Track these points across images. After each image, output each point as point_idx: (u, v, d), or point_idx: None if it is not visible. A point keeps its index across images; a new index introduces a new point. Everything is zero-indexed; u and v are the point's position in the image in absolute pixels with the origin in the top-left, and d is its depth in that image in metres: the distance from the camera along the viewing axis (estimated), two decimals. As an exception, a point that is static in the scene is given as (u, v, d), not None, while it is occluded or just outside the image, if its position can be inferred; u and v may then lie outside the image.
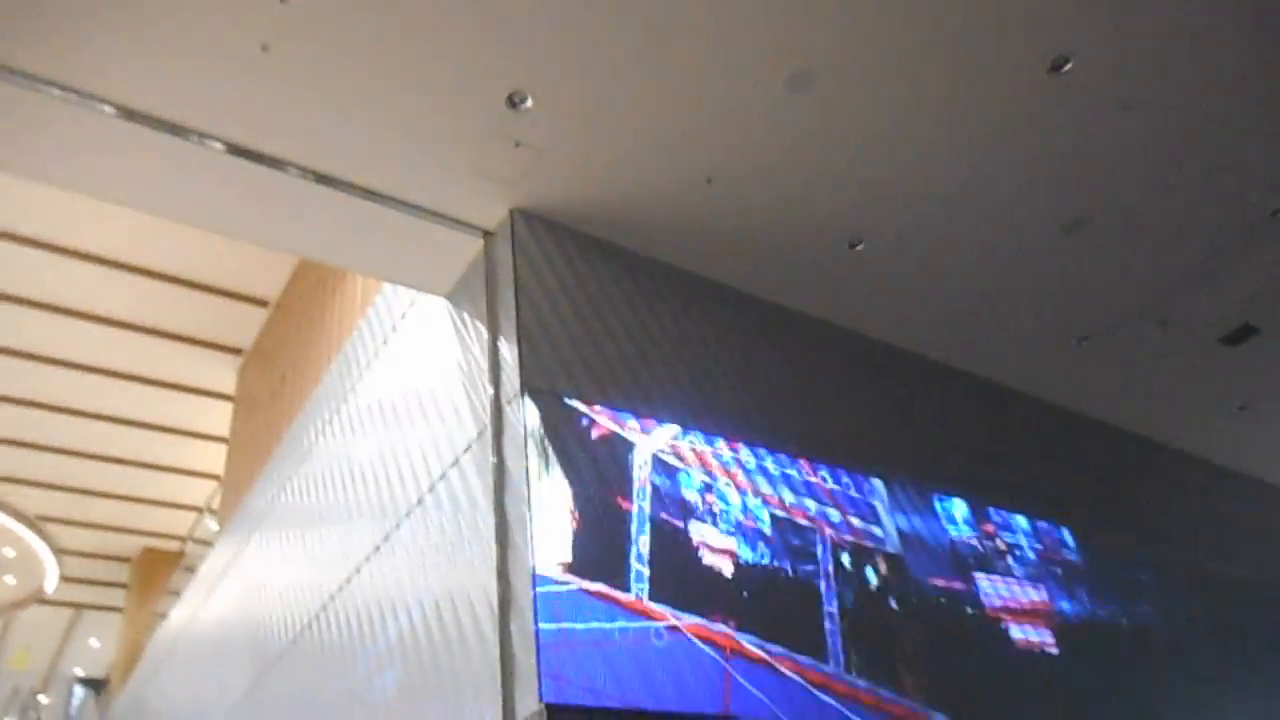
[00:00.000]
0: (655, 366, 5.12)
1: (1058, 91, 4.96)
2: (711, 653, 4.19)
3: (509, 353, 4.65)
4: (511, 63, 4.36)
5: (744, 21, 4.33)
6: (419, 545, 4.97)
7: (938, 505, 5.90)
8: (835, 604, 4.84)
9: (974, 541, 5.93)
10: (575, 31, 4.26)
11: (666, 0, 4.18)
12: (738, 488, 4.90)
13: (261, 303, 9.92)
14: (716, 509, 4.71)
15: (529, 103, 4.56)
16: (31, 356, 10.51)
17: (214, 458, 12.28)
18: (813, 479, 5.31)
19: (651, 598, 4.16)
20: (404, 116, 4.57)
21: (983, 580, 5.75)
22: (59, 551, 14.15)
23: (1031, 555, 6.24)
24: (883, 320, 6.46)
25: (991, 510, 6.24)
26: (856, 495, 5.46)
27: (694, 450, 4.87)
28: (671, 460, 4.72)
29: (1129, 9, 4.58)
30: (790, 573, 4.79)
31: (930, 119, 5.02)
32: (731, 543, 4.64)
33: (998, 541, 6.09)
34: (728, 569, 4.54)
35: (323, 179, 4.80)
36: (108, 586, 15.58)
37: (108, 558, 14.85)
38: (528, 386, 4.45)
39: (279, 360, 9.19)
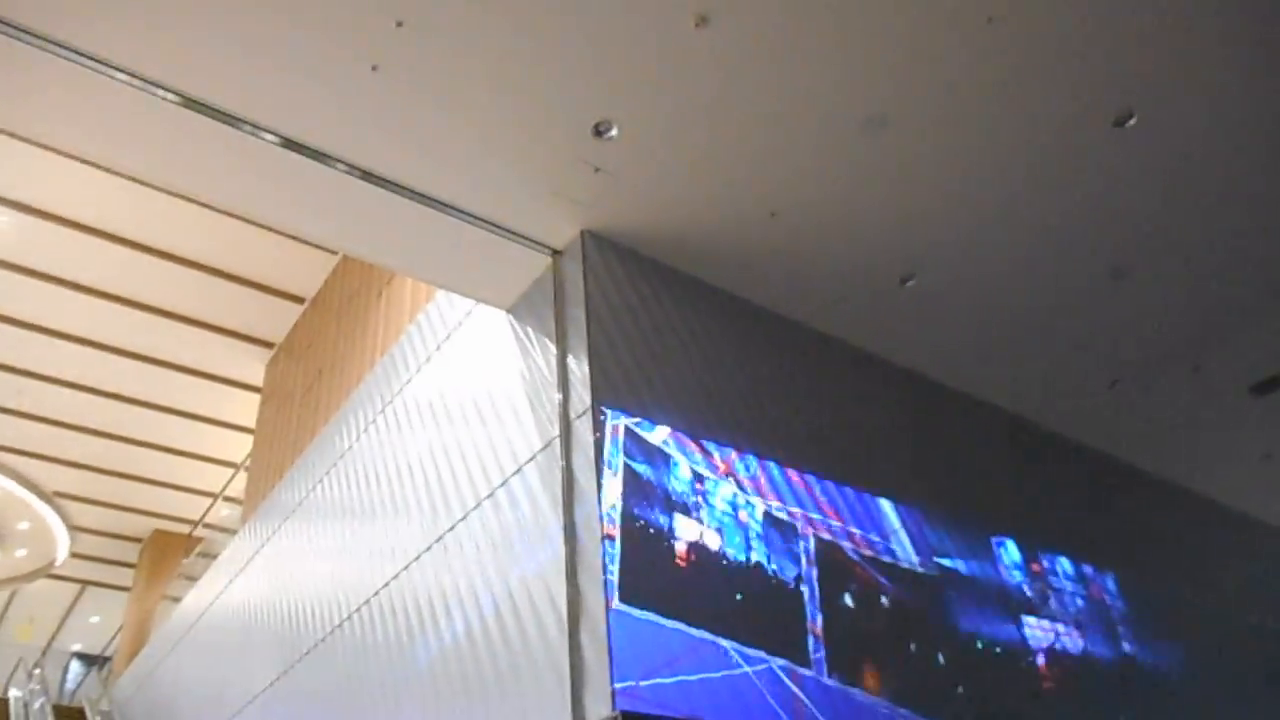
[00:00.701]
0: (716, 392, 5.27)
1: (1120, 145, 5.14)
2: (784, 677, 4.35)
3: (578, 369, 4.80)
4: (604, 94, 4.52)
5: (827, 68, 4.51)
6: (478, 546, 5.10)
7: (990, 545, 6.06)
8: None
9: (1019, 582, 6.09)
10: (666, 70, 4.43)
11: (754, 47, 4.35)
12: (809, 521, 5.05)
13: (297, 299, 10.06)
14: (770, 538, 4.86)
15: (614, 132, 4.72)
16: (60, 335, 10.62)
17: (233, 445, 12.41)
18: (857, 508, 5.47)
19: (718, 632, 4.31)
20: (495, 137, 4.72)
21: (1027, 621, 5.92)
22: (72, 528, 14.25)
23: (1070, 596, 6.40)
24: (926, 355, 6.61)
25: (1033, 549, 6.40)
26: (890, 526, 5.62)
27: (752, 479, 5.02)
28: (727, 485, 4.87)
29: (1192, 71, 4.77)
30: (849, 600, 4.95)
31: (995, 164, 5.20)
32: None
33: (1041, 582, 6.25)
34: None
35: (402, 190, 4.94)
36: (115, 565, 15.68)
37: (119, 537, 14.95)
38: (598, 403, 4.60)
39: (314, 356, 9.33)
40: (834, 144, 4.94)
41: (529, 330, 5.40)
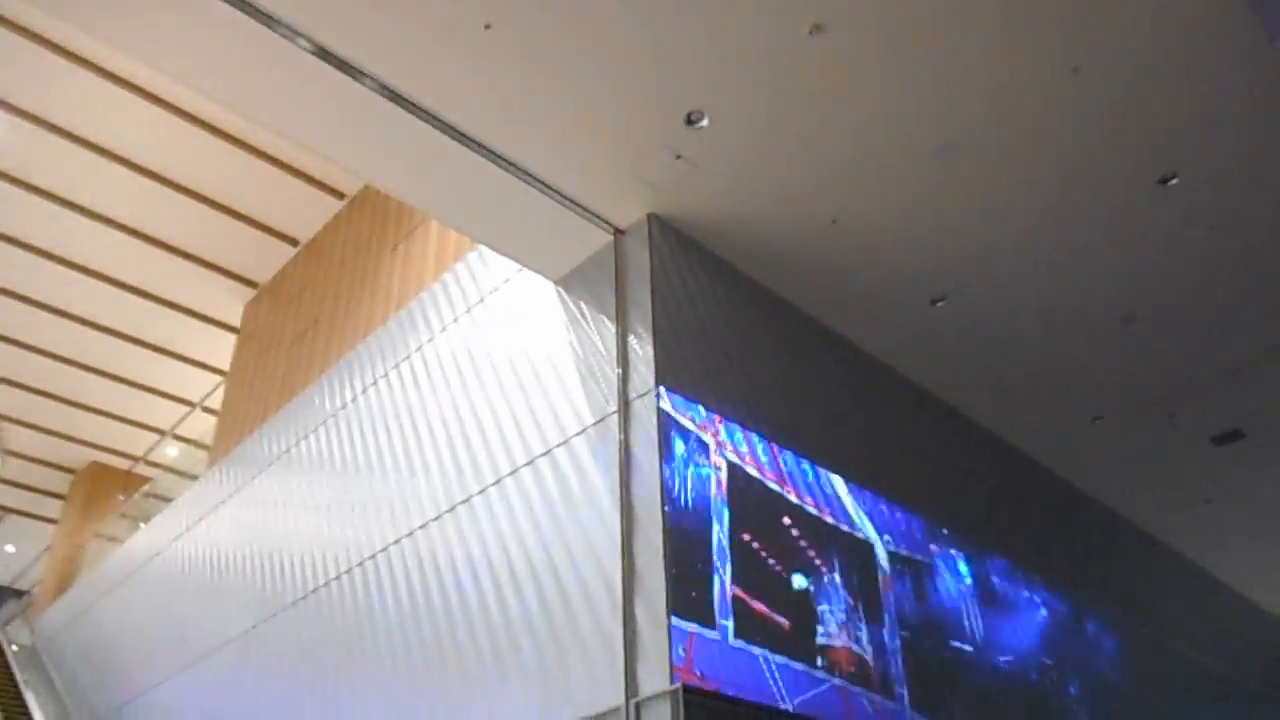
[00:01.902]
0: (761, 387, 5.43)
1: (1160, 202, 5.47)
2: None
3: (641, 349, 4.89)
4: (705, 84, 4.61)
5: (917, 93, 4.71)
6: (513, 513, 5.15)
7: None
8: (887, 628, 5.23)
9: (965, 578, 6.40)
10: (770, 70, 4.55)
11: (856, 62, 4.52)
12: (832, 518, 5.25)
13: (290, 241, 9.87)
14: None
15: (704, 122, 4.83)
16: (29, 248, 10.16)
17: (193, 384, 12.10)
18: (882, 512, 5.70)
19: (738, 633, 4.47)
20: (586, 111, 4.76)
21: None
22: (4, 451, 13.68)
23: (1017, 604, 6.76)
24: (940, 375, 6.89)
25: (983, 556, 6.72)
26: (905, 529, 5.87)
27: (780, 473, 5.19)
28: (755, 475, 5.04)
29: (1232, 141, 5.13)
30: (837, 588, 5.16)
31: (1042, 208, 5.49)
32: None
33: (987, 586, 6.58)
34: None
35: (479, 146, 4.89)
36: (42, 494, 15.07)
37: (51, 465, 14.37)
38: (660, 384, 4.71)
39: (308, 303, 9.18)
40: (906, 163, 5.14)
41: (582, 305, 5.47)
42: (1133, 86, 4.80)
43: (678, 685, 3.85)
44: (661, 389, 4.69)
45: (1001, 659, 6.10)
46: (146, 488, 12.35)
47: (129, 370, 12.03)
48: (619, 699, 4.02)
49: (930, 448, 6.83)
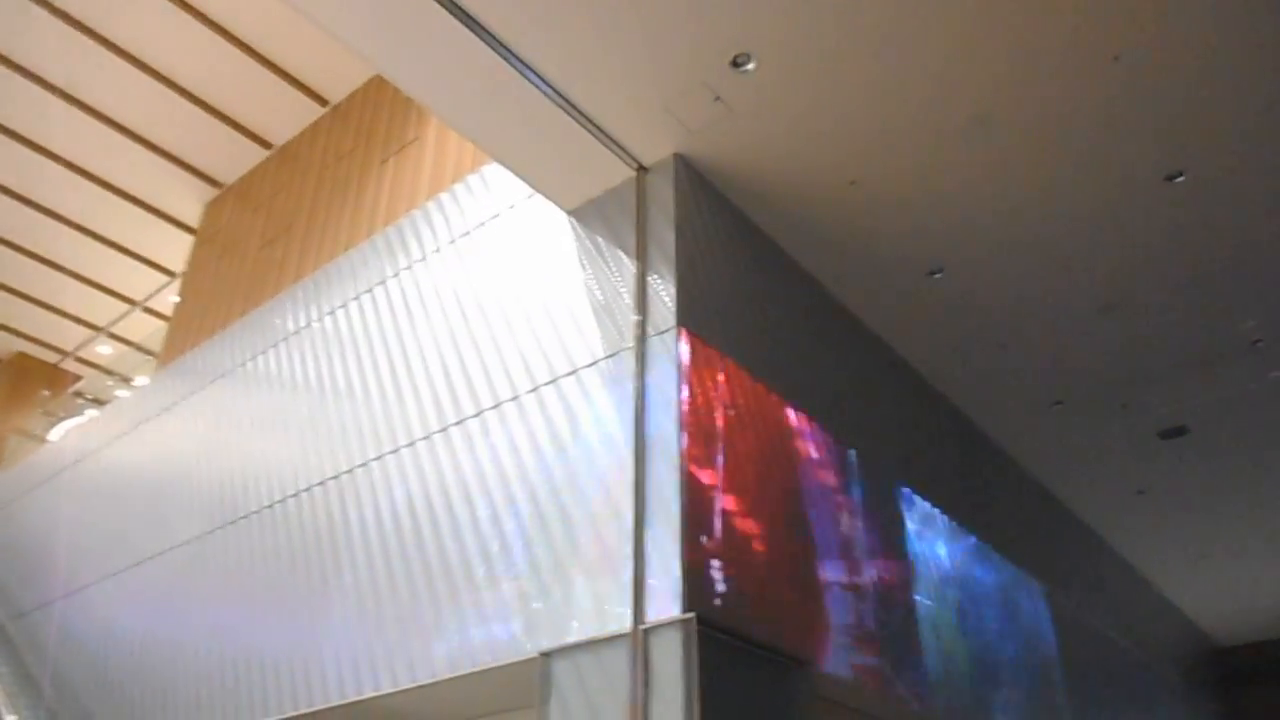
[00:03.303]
0: (768, 337, 5.49)
1: (1165, 198, 5.66)
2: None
3: (663, 287, 4.88)
4: (759, 26, 4.57)
5: (961, 58, 4.77)
6: (512, 439, 5.13)
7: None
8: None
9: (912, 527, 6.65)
10: (829, 17, 4.53)
11: (911, 21, 4.54)
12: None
13: (263, 143, 9.50)
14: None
15: (750, 66, 4.79)
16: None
17: (137, 281, 11.63)
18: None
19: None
20: (630, 35, 4.62)
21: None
22: (-79, 330, 12.96)
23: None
24: (923, 348, 7.05)
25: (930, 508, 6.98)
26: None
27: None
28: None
29: (1242, 141, 5.34)
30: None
31: (1054, 186, 5.63)
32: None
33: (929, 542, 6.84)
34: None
35: (509, 53, 4.67)
36: (-43, 380, 14.35)
37: (-29, 350, 13.69)
38: (682, 323, 4.72)
39: (281, 210, 8.88)
40: (935, 130, 5.20)
41: (599, 239, 5.42)
42: (1164, 80, 4.93)
43: (690, 615, 3.91)
44: (682, 329, 4.71)
45: (955, 612, 6.36)
46: (76, 387, 11.86)
47: (68, 258, 11.41)
48: (626, 626, 4.07)
49: (904, 416, 7.01)
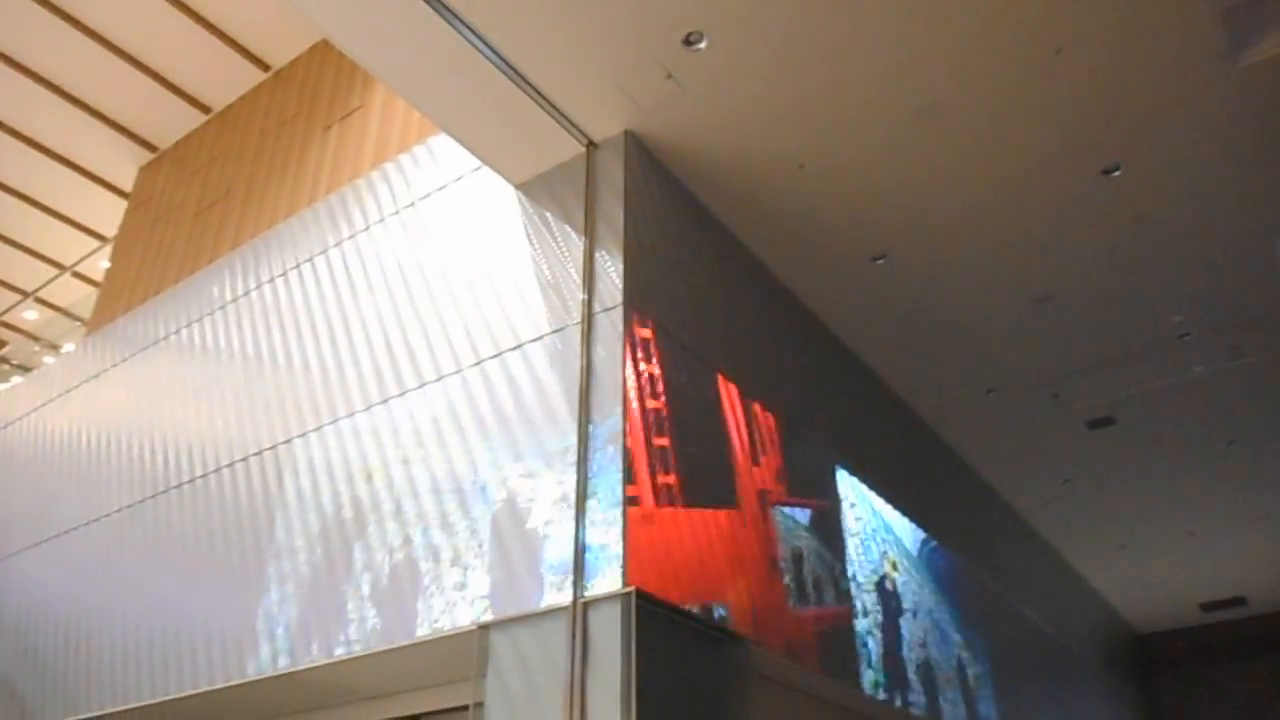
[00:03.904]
0: (710, 318, 5.52)
1: (1102, 191, 5.81)
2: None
3: (611, 264, 4.88)
4: (711, 4, 4.57)
5: (908, 45, 4.84)
6: (454, 412, 5.09)
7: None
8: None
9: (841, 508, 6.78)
10: (780, 3, 4.56)
11: (856, 17, 4.59)
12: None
13: (202, 106, 9.25)
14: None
15: (703, 45, 4.80)
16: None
17: (66, 245, 11.26)
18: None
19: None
20: (585, 6, 4.58)
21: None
22: None
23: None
24: (864, 333, 7.16)
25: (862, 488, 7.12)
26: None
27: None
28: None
29: (1182, 142, 5.50)
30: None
31: (994, 176, 5.75)
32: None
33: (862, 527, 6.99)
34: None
35: (457, 20, 4.63)
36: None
37: (-111, 312, 13.11)
38: (629, 301, 4.72)
39: (218, 175, 8.67)
40: (883, 117, 5.28)
41: (546, 214, 5.39)
42: (1104, 75, 5.06)
43: (630, 589, 3.94)
44: (629, 306, 4.71)
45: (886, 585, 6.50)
46: (1, 351, 11.47)
47: (-4, 221, 11.08)
48: (565, 599, 4.08)
49: (844, 398, 7.11)
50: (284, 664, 5.09)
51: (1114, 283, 6.69)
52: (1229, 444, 8.93)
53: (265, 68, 8.75)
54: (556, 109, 5.24)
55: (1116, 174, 5.73)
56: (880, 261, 6.42)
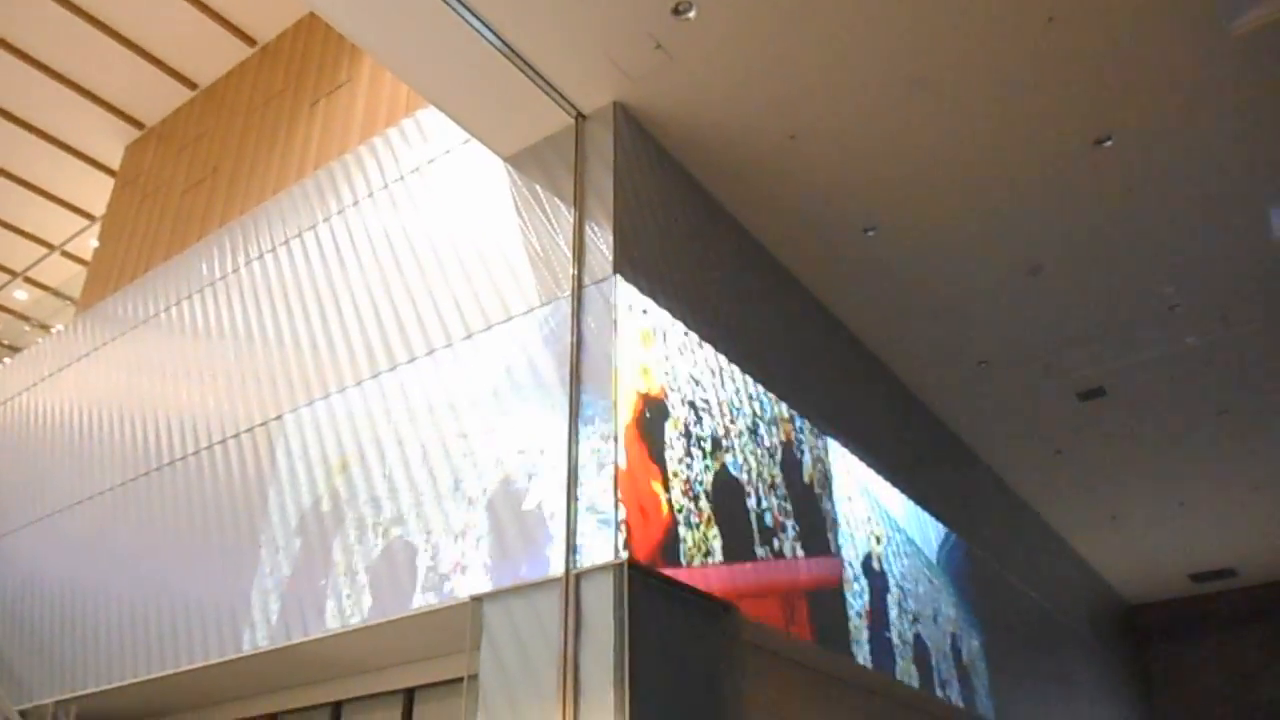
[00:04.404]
0: (703, 291, 5.52)
1: (1094, 162, 5.80)
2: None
3: (601, 236, 4.86)
4: (702, -27, 4.55)
5: (900, 15, 4.80)
6: (446, 385, 5.09)
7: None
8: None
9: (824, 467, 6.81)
10: (772, -32, 4.53)
11: (863, -28, 4.56)
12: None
13: (188, 82, 9.17)
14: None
15: (692, 14, 4.76)
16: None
17: (55, 225, 11.19)
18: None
19: (690, 493, 4.61)
20: None
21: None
22: None
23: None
24: (854, 305, 7.15)
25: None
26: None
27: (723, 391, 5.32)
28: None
29: (1173, 112, 5.48)
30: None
31: (987, 147, 5.73)
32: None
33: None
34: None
35: None
36: None
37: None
38: (619, 272, 4.71)
39: (205, 152, 8.60)
40: (875, 88, 5.25)
41: (536, 186, 5.37)
42: (1096, 44, 5.04)
43: (622, 559, 3.95)
44: (618, 277, 4.70)
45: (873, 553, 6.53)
46: (-8, 332, 11.42)
47: (-19, 200, 10.98)
48: (558, 570, 4.10)
49: (834, 370, 7.12)
50: (279, 638, 5.11)
51: (1105, 254, 6.69)
52: (1220, 414, 8.96)
53: (251, 43, 8.67)
54: (545, 80, 5.20)
55: (1108, 144, 5.71)
56: (871, 233, 6.41)
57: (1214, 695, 13.99)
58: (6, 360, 9.81)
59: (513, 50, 4.99)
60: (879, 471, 7.01)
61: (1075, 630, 11.54)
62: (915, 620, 6.82)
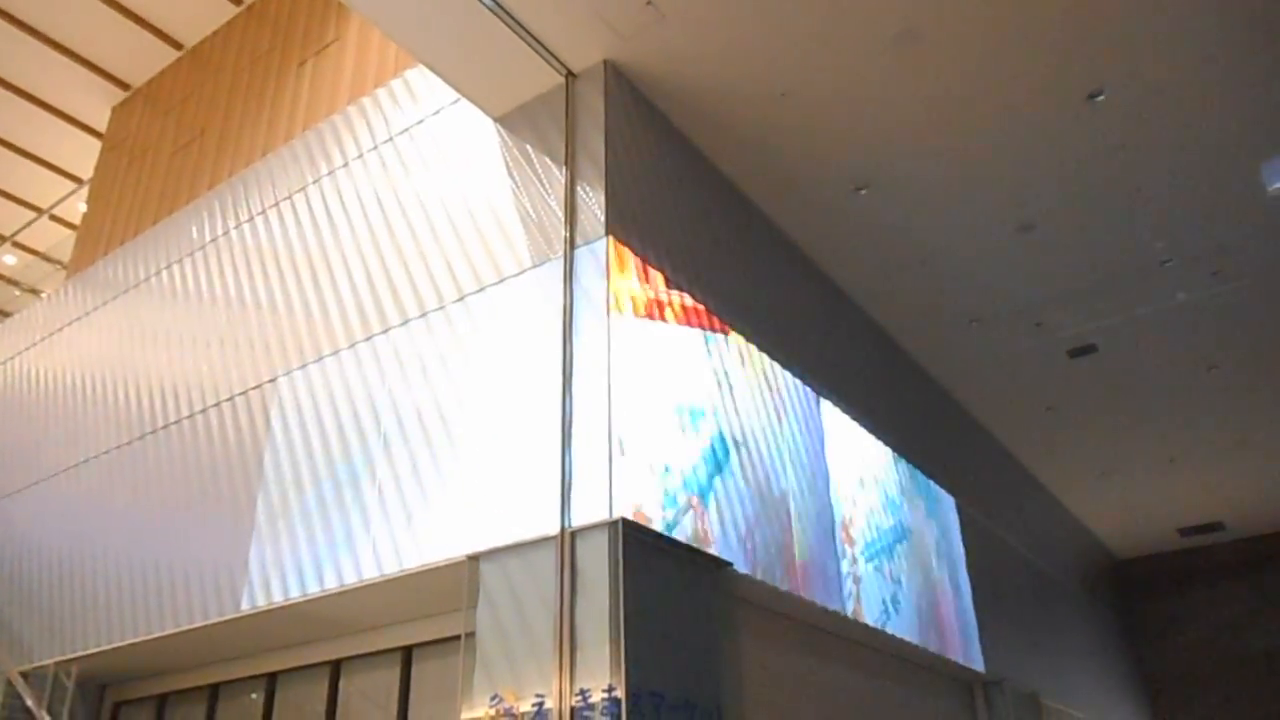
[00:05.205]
0: (694, 249, 5.51)
1: (1087, 117, 5.78)
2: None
3: (593, 195, 4.85)
4: (693, -72, 4.49)
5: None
6: (439, 347, 5.09)
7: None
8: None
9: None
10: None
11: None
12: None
13: (174, 43, 9.05)
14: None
15: (682, -31, 4.72)
16: None
17: (40, 187, 11.09)
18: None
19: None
20: None
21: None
22: None
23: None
24: (845, 263, 7.15)
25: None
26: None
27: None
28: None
29: (1166, 66, 5.46)
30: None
31: (978, 103, 5.71)
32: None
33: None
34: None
35: None
36: None
37: None
38: (611, 232, 4.70)
39: (192, 114, 8.52)
40: (864, 45, 5.22)
41: (527, 146, 5.34)
42: (1089, -1, 5.00)
43: (616, 518, 3.99)
44: (610, 237, 4.69)
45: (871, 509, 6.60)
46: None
47: (-32, 164, 10.85)
48: (553, 528, 4.14)
49: (825, 328, 7.14)
50: (276, 598, 5.16)
51: (1097, 210, 6.69)
52: (1210, 370, 9.02)
53: (238, 1, 8.55)
54: (534, 38, 5.15)
55: (1100, 99, 5.69)
56: (863, 192, 6.40)
57: (1202, 646, 14.23)
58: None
59: (501, 8, 4.94)
60: (870, 428, 7.06)
61: (1065, 584, 11.70)
62: (906, 575, 6.91)
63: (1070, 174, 6.32)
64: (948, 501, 8.28)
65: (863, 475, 6.69)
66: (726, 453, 5.06)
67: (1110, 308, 7.95)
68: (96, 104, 9.86)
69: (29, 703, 6.48)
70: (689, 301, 5.18)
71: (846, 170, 6.22)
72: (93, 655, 6.34)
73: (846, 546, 6.08)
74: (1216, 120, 5.92)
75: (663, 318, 4.89)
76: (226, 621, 5.45)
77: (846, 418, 6.71)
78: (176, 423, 6.63)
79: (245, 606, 5.31)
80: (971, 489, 9.06)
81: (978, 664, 7.67)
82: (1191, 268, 7.39)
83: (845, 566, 5.97)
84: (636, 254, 4.85)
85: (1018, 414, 9.90)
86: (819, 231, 6.79)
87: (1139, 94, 5.67)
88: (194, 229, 7.45)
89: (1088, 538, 13.73)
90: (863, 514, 6.49)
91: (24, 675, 6.69)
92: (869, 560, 6.36)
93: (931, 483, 7.99)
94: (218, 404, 6.36)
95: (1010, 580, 9.55)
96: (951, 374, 8.95)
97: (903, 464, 7.51)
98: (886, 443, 7.29)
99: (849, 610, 5.83)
